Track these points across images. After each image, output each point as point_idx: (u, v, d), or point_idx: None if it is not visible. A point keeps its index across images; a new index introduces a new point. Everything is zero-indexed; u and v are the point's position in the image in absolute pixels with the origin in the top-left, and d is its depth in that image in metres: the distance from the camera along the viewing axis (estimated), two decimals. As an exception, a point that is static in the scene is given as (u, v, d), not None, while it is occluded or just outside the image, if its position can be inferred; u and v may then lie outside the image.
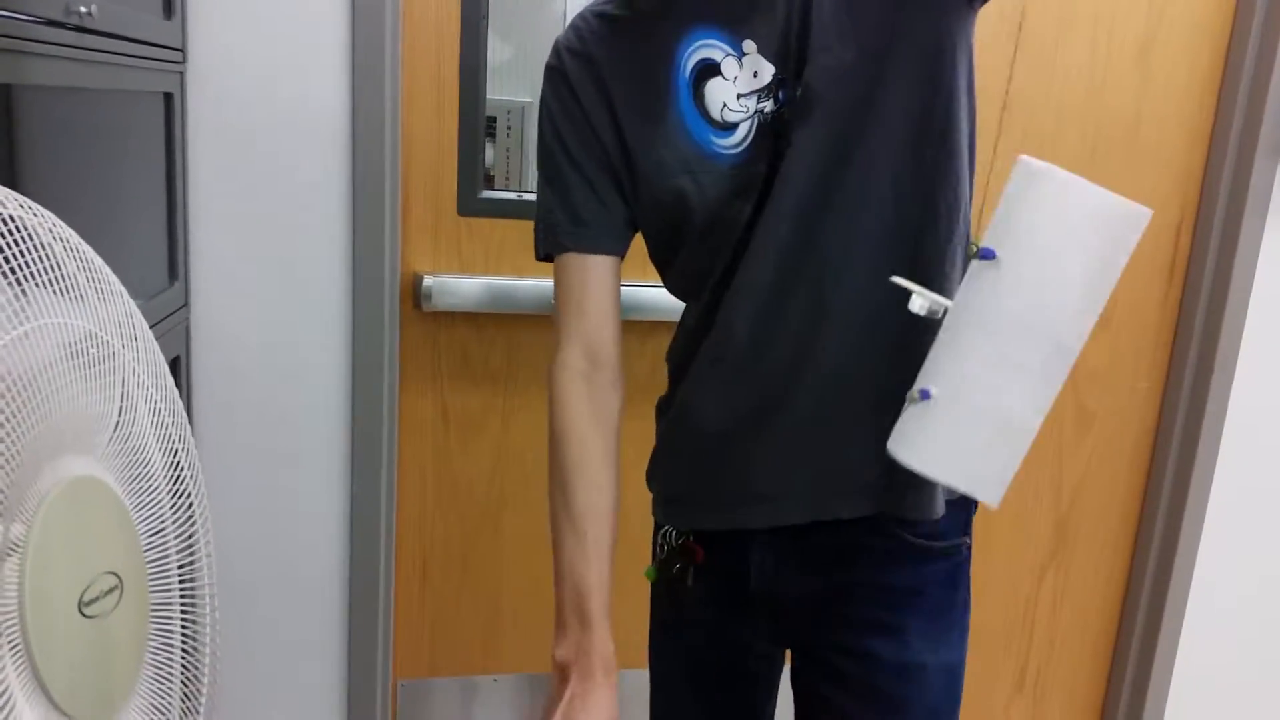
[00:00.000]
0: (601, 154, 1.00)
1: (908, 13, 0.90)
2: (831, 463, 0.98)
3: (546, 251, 1.05)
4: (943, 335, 0.85)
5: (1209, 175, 1.93)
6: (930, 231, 0.93)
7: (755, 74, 0.92)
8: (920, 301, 0.84)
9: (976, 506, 1.04)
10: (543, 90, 1.04)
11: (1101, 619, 2.12)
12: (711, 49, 0.94)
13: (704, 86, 0.94)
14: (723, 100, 0.94)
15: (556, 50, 1.03)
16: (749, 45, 0.92)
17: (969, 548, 1.05)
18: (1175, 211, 1.94)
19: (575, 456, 1.03)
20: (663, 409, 1.12)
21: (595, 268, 1.03)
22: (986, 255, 0.81)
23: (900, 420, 0.87)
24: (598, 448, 1.03)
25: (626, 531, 1.08)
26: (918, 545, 1.00)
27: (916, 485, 0.96)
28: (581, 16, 1.02)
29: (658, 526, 1.14)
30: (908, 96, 0.90)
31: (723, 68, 0.93)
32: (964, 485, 0.86)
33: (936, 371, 0.85)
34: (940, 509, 0.98)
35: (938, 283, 0.93)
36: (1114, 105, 1.87)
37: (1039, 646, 2.11)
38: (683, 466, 1.08)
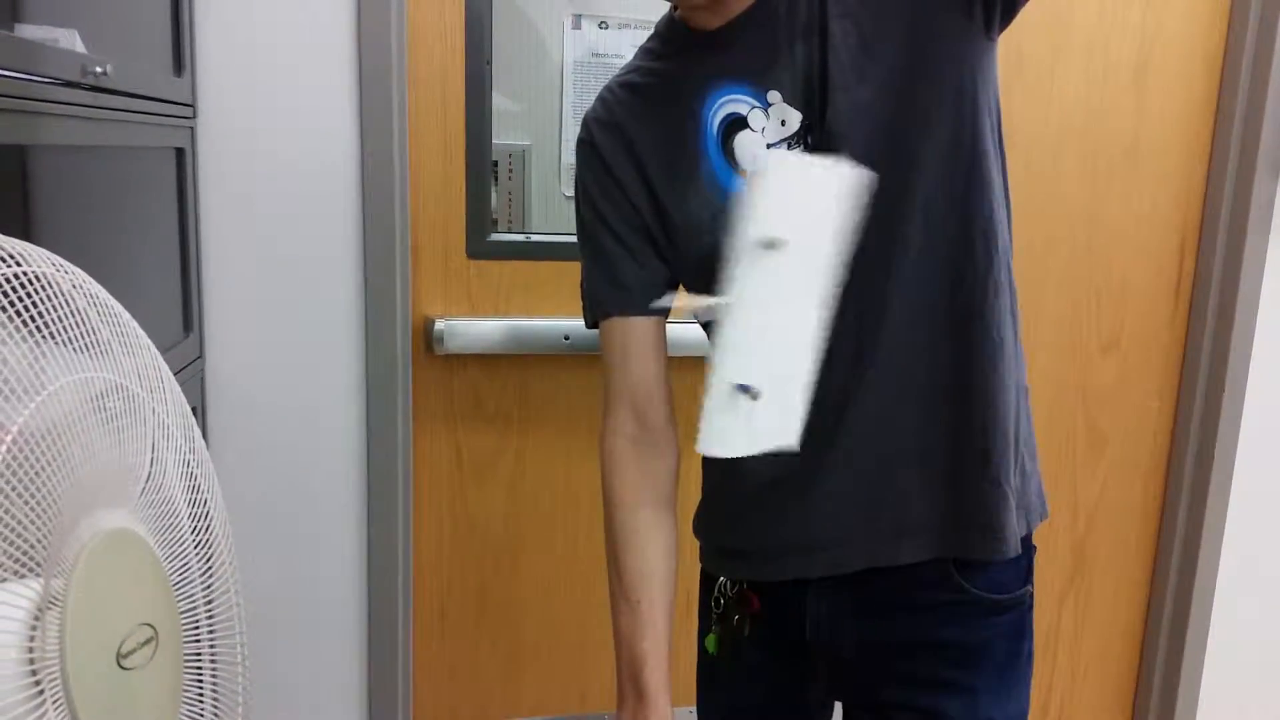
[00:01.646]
0: (638, 220, 1.01)
1: (926, 48, 0.90)
2: (884, 507, 0.97)
3: (593, 319, 1.06)
4: None
5: (1210, 194, 1.94)
6: (968, 264, 0.93)
7: (783, 122, 0.93)
8: None
9: (1036, 551, 1.03)
10: (576, 165, 1.05)
11: (1124, 644, 2.11)
12: (737, 103, 0.95)
13: (733, 140, 0.95)
14: (753, 152, 0.95)
15: (586, 124, 1.04)
16: (774, 95, 0.93)
17: (1032, 595, 1.03)
18: (1178, 231, 1.95)
19: (624, 523, 1.02)
20: (710, 459, 1.10)
21: (636, 329, 1.03)
22: None
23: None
24: (646, 513, 1.02)
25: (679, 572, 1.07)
26: (981, 599, 0.98)
27: (979, 526, 0.95)
28: (607, 88, 1.04)
29: (708, 577, 1.12)
30: (932, 131, 0.91)
31: (750, 120, 0.94)
32: None
33: None
34: (1013, 548, 0.96)
35: (984, 313, 0.93)
36: (1113, 130, 1.89)
37: (1062, 674, 2.09)
38: (734, 517, 1.07)
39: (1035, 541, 1.03)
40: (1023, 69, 1.83)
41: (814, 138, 0.92)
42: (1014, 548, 0.96)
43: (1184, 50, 1.89)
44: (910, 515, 0.96)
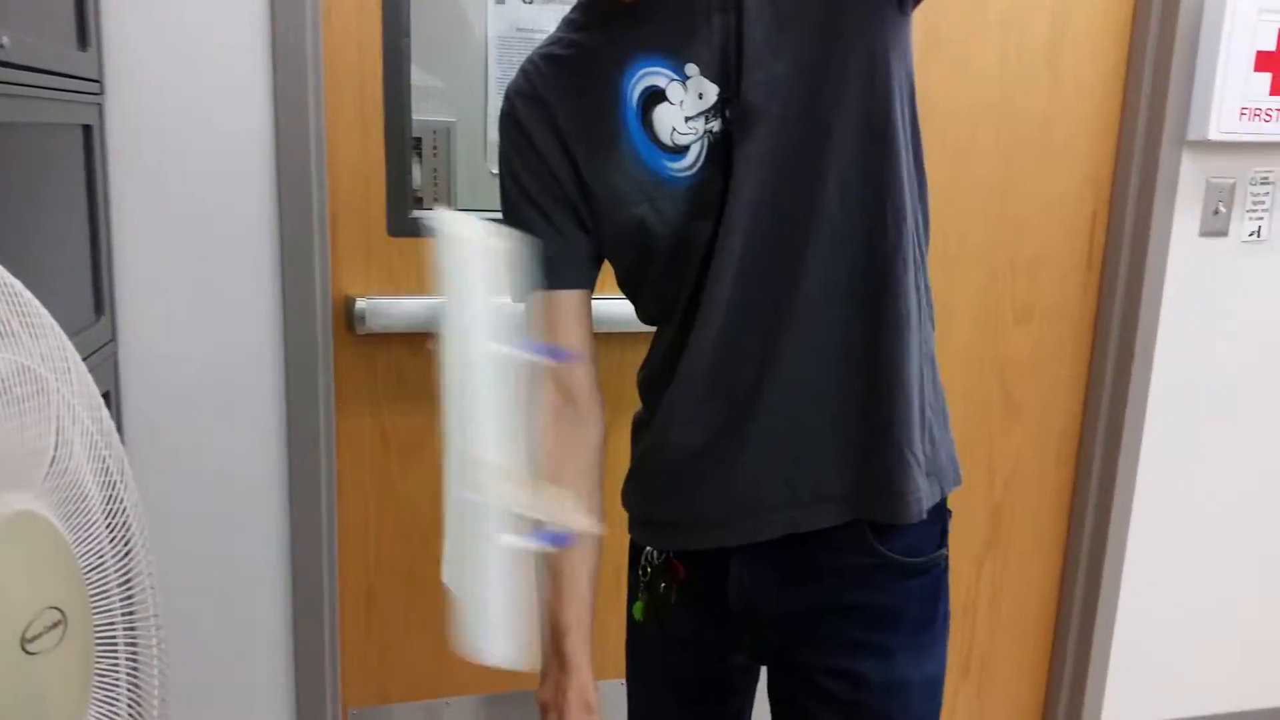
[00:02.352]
0: (561, 192, 1.01)
1: (839, 22, 0.91)
2: (801, 474, 0.99)
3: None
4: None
5: (1119, 168, 2.00)
6: (879, 235, 0.95)
7: (700, 95, 0.94)
8: None
9: (951, 516, 1.05)
10: (499, 138, 1.05)
11: (1040, 604, 2.18)
12: (656, 76, 0.95)
13: (652, 113, 0.96)
14: (671, 124, 0.95)
15: (508, 97, 1.04)
16: (691, 68, 0.94)
17: (947, 559, 1.06)
18: (1089, 204, 2.01)
19: None
20: (638, 431, 1.12)
21: (562, 303, 1.03)
22: None
23: None
24: (567, 483, 1.02)
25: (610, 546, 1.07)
26: (898, 562, 1.01)
27: (889, 491, 0.97)
28: (529, 60, 1.04)
29: (636, 548, 1.13)
30: (845, 104, 0.92)
31: (668, 93, 0.95)
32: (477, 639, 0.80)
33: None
34: (917, 513, 0.98)
35: (892, 286, 0.95)
36: (1025, 106, 1.93)
37: (981, 635, 2.15)
38: (659, 488, 1.08)
39: (952, 507, 1.06)
40: (938, 47, 1.86)
41: (731, 111, 0.93)
42: (919, 512, 0.99)
43: (1093, 30, 1.94)
44: (826, 482, 0.98)
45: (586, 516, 1.00)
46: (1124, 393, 2.03)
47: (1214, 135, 1.89)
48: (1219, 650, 2.23)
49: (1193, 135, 1.92)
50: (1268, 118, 1.91)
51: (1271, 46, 1.88)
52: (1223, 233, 2.01)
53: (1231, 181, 1.98)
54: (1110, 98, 1.98)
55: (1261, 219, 2.02)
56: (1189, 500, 2.13)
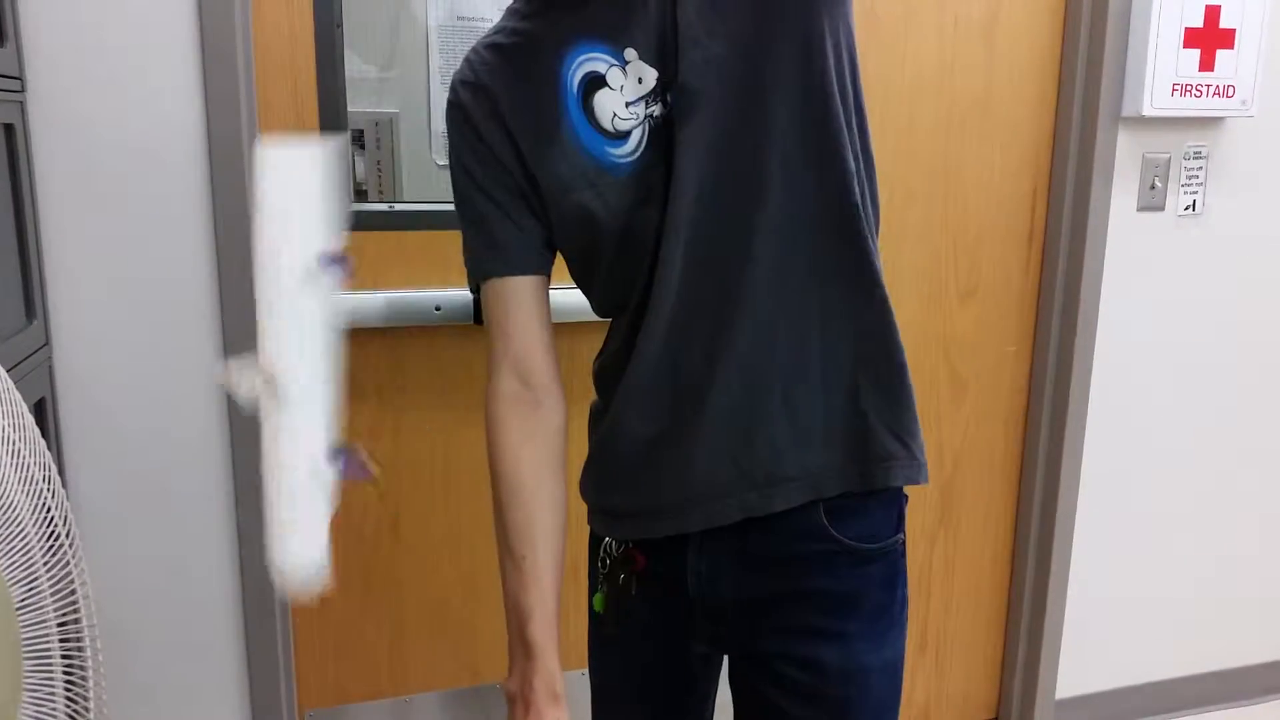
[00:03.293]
0: (510, 180, 1.01)
1: (773, 1, 0.91)
2: (752, 458, 0.98)
3: (474, 282, 1.05)
4: None
5: (1058, 145, 2.03)
6: (827, 215, 0.95)
7: (640, 80, 0.94)
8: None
9: (907, 501, 1.06)
10: (447, 128, 1.04)
11: (993, 577, 2.21)
12: (595, 61, 0.95)
13: (593, 99, 0.95)
14: (612, 110, 0.95)
15: (453, 87, 1.03)
16: (630, 53, 0.93)
17: (903, 543, 1.06)
18: (1029, 181, 2.04)
19: (508, 482, 1.01)
20: (594, 421, 1.11)
21: (517, 289, 1.02)
22: None
23: None
24: (529, 471, 1.01)
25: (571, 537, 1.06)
26: (854, 549, 1.01)
27: (836, 472, 0.98)
28: (474, 50, 1.03)
29: (595, 539, 1.13)
30: (783, 82, 0.91)
31: (608, 78, 0.94)
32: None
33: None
34: (883, 479, 0.99)
35: (843, 266, 0.96)
36: (963, 84, 1.95)
37: (936, 610, 2.18)
38: (614, 477, 1.08)
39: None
40: (877, 27, 1.87)
41: (671, 95, 0.92)
42: (885, 479, 0.99)
43: (1029, 7, 1.96)
44: (781, 463, 0.98)
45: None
46: (1068, 367, 2.06)
47: (1148, 111, 1.92)
48: (1168, 618, 2.28)
49: (1127, 112, 1.94)
50: (1198, 93, 1.94)
51: (1199, 23, 1.91)
52: (1159, 207, 2.04)
53: (1166, 156, 2.02)
54: (1047, 76, 2.00)
55: (1196, 193, 2.06)
56: (1134, 472, 2.17)
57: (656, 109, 0.94)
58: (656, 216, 0.95)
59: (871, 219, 0.99)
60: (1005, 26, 1.95)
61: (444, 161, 1.78)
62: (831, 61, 0.93)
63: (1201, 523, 2.25)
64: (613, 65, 0.94)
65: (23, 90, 1.42)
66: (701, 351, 0.97)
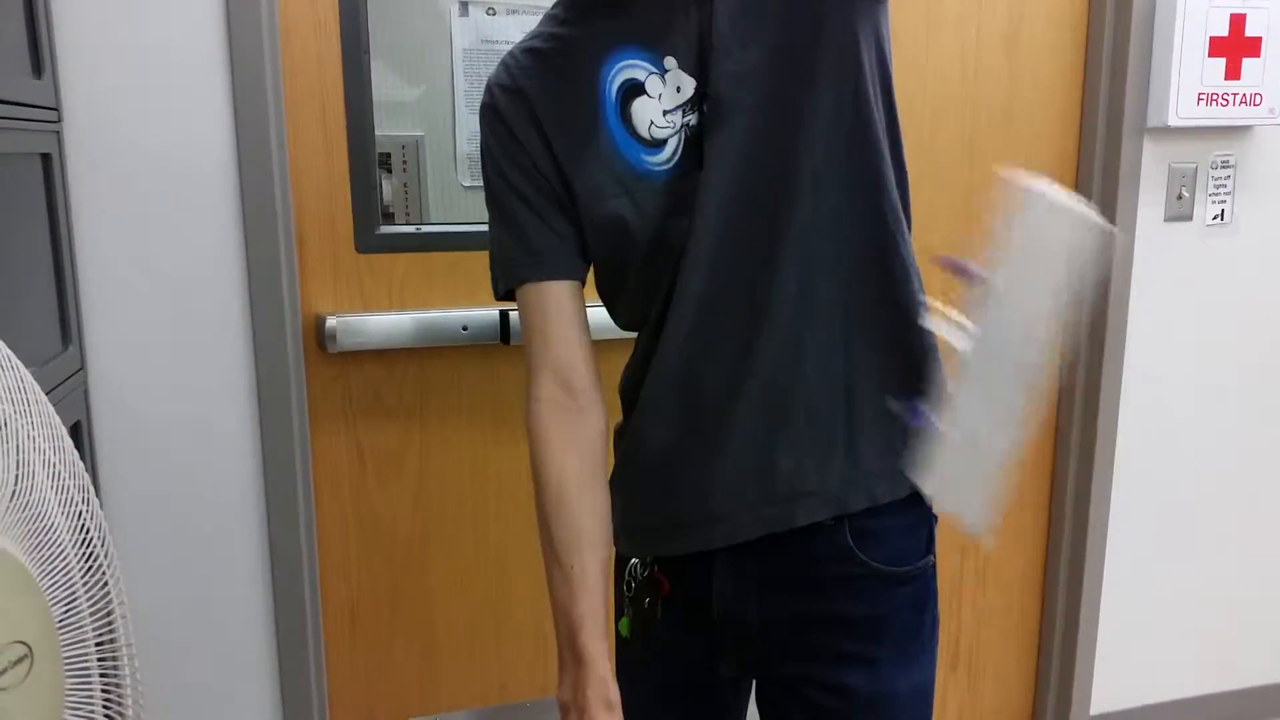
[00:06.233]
0: (544, 184, 1.00)
1: (809, 9, 0.91)
2: (775, 472, 0.97)
3: (506, 287, 1.04)
4: (961, 369, 0.87)
5: (1083, 157, 2.02)
6: (855, 226, 0.94)
7: (679, 89, 0.94)
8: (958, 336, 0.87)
9: (937, 521, 1.04)
10: (480, 130, 1.04)
11: (1025, 590, 2.19)
12: (635, 69, 0.95)
13: (630, 106, 0.95)
14: (649, 118, 0.95)
15: (489, 89, 1.03)
16: (670, 62, 0.94)
17: (934, 565, 1.04)
18: (1054, 194, 2.02)
19: (553, 490, 1.00)
20: (618, 439, 1.10)
21: (555, 295, 1.01)
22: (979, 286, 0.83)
23: (919, 449, 0.89)
24: (574, 480, 1.00)
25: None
26: (882, 572, 0.99)
27: (856, 485, 0.97)
28: (510, 54, 1.03)
29: (622, 561, 1.12)
30: (815, 93, 0.91)
31: (647, 86, 0.95)
32: (966, 518, 0.88)
33: (952, 404, 0.89)
34: (891, 493, 0.97)
35: (874, 275, 0.95)
36: (986, 98, 1.94)
37: (968, 625, 2.16)
38: (638, 493, 1.07)
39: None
40: (898, 42, 1.85)
41: (708, 104, 0.93)
42: (906, 487, 0.96)
43: (1050, 20, 1.96)
44: (804, 478, 0.97)
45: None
46: (1098, 378, 2.04)
47: (1173, 121, 1.91)
48: (1203, 632, 2.25)
49: (1153, 123, 1.93)
50: (1224, 102, 1.93)
51: (1224, 32, 1.90)
52: (1187, 217, 2.03)
53: (1193, 166, 2.00)
54: (1070, 89, 1.99)
55: (1224, 202, 2.04)
56: (1166, 483, 2.15)
57: (693, 118, 0.94)
58: (687, 228, 0.94)
59: (904, 227, 0.98)
60: (1027, 38, 1.95)
61: (469, 183, 1.81)
62: (867, 70, 0.92)
63: (1238, 532, 2.22)
64: (652, 73, 0.94)
65: (59, 120, 1.45)
66: (723, 362, 0.96)
